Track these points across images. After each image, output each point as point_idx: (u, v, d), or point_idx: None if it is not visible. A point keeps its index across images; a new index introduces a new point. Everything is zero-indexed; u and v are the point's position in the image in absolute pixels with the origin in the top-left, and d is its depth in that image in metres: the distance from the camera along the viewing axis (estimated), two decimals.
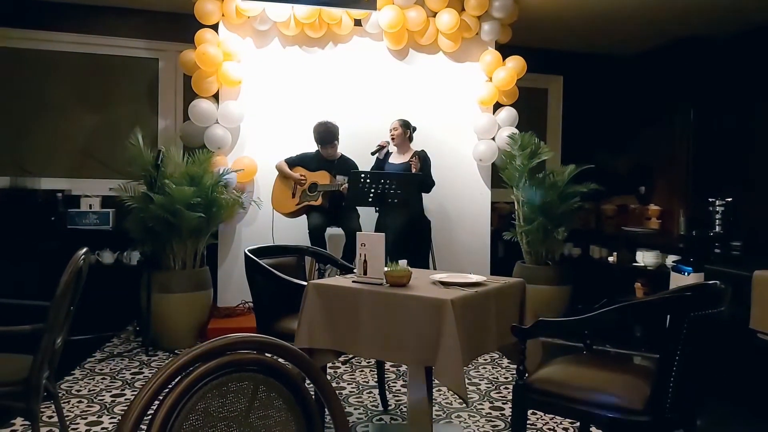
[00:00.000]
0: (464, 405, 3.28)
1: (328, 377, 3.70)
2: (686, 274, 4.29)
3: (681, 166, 5.96)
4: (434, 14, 5.17)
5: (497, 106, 5.44)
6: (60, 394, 3.24)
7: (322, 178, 4.68)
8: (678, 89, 6.02)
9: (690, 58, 5.91)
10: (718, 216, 5.00)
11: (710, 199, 5.09)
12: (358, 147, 4.87)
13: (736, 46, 5.72)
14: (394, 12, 4.97)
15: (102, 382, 3.60)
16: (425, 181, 4.62)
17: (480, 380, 3.75)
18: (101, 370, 3.84)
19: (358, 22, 5.17)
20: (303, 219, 4.73)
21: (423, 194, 4.75)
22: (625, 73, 6.78)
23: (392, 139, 4.74)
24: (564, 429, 3.02)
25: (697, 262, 4.30)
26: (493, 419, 3.13)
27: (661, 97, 6.25)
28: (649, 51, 6.42)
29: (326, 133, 4.67)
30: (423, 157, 4.68)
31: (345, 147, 4.85)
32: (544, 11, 5.42)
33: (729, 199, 5.00)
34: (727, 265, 4.06)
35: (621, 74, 6.79)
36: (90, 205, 5.22)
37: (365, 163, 4.78)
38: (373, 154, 4.73)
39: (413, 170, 4.55)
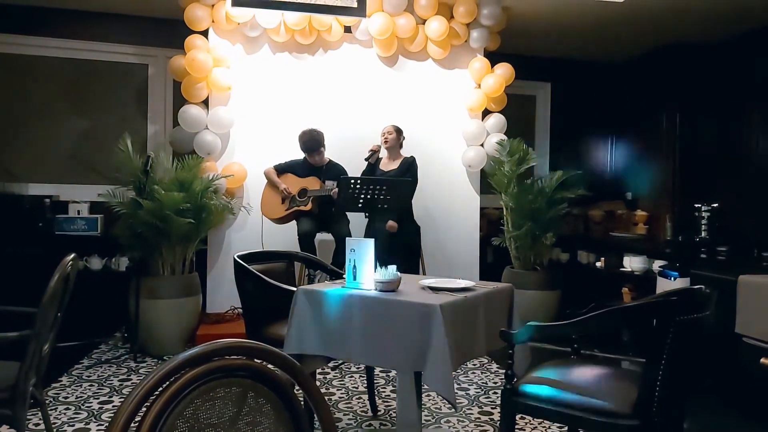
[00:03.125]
0: (453, 410, 3.28)
1: (318, 383, 3.70)
2: (672, 279, 4.34)
3: (667, 172, 6.02)
4: (423, 21, 5.20)
5: (486, 113, 5.48)
6: (47, 401, 3.22)
7: (311, 183, 4.69)
8: (664, 95, 6.08)
9: (675, 63, 5.98)
10: (704, 221, 5.07)
11: (696, 205, 5.15)
12: (348, 153, 4.88)
13: (721, 52, 5.79)
14: (383, 19, 5.00)
15: (89, 389, 3.57)
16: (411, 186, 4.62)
17: (469, 385, 3.76)
18: (89, 376, 3.81)
19: (347, 29, 5.19)
20: (292, 225, 4.73)
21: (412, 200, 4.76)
22: (611, 80, 6.85)
23: (385, 142, 4.74)
24: None
25: (684, 267, 4.35)
26: (482, 424, 3.14)
27: (648, 102, 6.31)
28: (636, 57, 6.50)
29: (311, 142, 4.68)
30: (409, 163, 4.70)
31: (335, 153, 4.86)
32: (532, 19, 5.48)
33: (715, 205, 5.06)
34: (713, 270, 4.11)
35: (608, 80, 6.86)
36: (78, 211, 5.19)
37: (355, 168, 4.79)
38: (366, 159, 4.73)
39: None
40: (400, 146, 4.82)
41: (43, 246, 4.73)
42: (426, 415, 3.22)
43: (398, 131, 4.76)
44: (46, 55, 5.47)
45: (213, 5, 4.86)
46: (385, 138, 4.74)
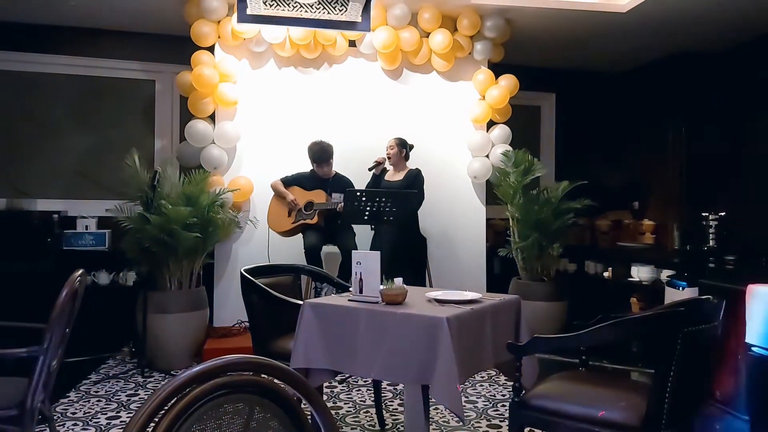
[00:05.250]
0: (461, 423, 3.26)
1: (325, 397, 3.69)
2: (681, 288, 4.30)
3: (674, 181, 6.01)
4: (427, 35, 5.24)
5: (491, 124, 5.49)
6: (55, 417, 3.22)
7: (318, 196, 4.70)
8: (669, 104, 6.08)
9: (680, 72, 5.98)
10: (711, 230, 5.03)
11: (703, 214, 5.12)
12: (354, 166, 4.90)
13: (726, 60, 5.79)
14: (387, 33, 5.03)
15: (97, 405, 3.57)
16: (417, 198, 4.63)
17: (477, 398, 3.74)
18: (97, 392, 3.82)
19: (352, 43, 5.24)
20: (299, 238, 4.74)
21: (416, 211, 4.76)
22: (616, 90, 6.85)
23: (388, 157, 4.77)
24: None
25: (692, 276, 4.31)
26: None
27: (653, 111, 6.31)
28: (640, 67, 6.51)
29: (321, 152, 4.71)
30: (414, 175, 4.71)
31: (340, 166, 4.88)
32: (536, 30, 5.50)
33: (722, 213, 5.02)
34: (722, 280, 4.07)
35: (612, 90, 6.87)
36: (86, 226, 5.22)
37: (361, 181, 4.81)
38: (370, 170, 4.75)
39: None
40: (406, 158, 4.83)
41: (52, 261, 4.76)
42: (434, 429, 3.20)
43: (400, 144, 4.77)
44: (54, 72, 5.53)
45: (219, 21, 4.91)
46: (388, 153, 4.77)
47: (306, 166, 4.85)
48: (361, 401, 3.68)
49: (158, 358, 4.31)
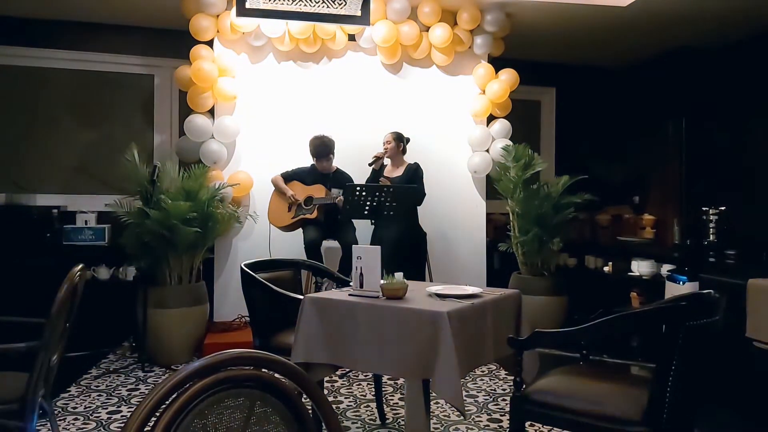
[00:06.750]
0: (462, 417, 3.27)
1: (325, 391, 3.69)
2: (681, 283, 4.30)
3: (674, 176, 6.00)
4: (427, 29, 5.22)
5: (491, 119, 5.48)
6: (56, 412, 3.22)
7: (317, 191, 4.70)
8: (670, 99, 6.07)
9: (681, 68, 5.97)
10: (712, 225, 5.02)
11: (704, 208, 5.12)
12: (353, 160, 4.89)
13: (728, 56, 5.78)
14: (387, 27, 5.02)
15: (98, 399, 3.57)
16: (417, 193, 4.63)
17: (478, 392, 3.75)
18: (97, 386, 3.82)
19: (352, 37, 5.22)
20: (299, 233, 4.74)
21: (417, 206, 4.76)
22: (617, 85, 6.84)
23: (385, 151, 4.76)
24: None
25: (692, 271, 4.31)
26: (491, 431, 3.12)
27: (654, 107, 6.30)
28: (641, 62, 6.49)
29: (322, 147, 4.71)
30: (414, 170, 4.70)
31: (340, 160, 4.87)
32: (536, 24, 5.48)
33: (722, 208, 5.02)
34: (722, 274, 4.07)
35: (613, 85, 6.85)
36: (86, 221, 5.21)
37: (361, 175, 4.80)
38: (370, 165, 4.75)
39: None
40: (403, 152, 4.82)
41: (51, 256, 4.75)
42: (435, 423, 3.20)
43: (397, 139, 4.76)
44: (53, 66, 5.51)
45: (218, 15, 4.89)
46: (385, 148, 4.76)
47: (306, 160, 4.84)
48: (361, 396, 3.68)
49: (159, 353, 4.31)
